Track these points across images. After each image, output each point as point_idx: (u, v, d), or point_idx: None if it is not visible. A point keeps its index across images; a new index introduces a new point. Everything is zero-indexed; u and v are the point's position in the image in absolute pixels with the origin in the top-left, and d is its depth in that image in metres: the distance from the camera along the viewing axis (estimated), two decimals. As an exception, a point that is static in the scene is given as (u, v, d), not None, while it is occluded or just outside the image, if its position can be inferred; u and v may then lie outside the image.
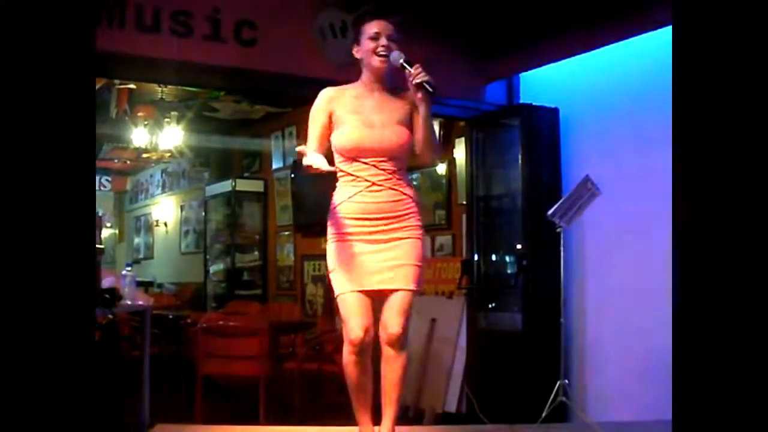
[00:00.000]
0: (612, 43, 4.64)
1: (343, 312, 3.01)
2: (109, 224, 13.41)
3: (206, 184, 10.11)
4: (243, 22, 4.48)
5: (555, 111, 5.20)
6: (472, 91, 5.37)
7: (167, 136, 8.33)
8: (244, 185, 9.40)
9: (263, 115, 8.85)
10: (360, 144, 2.99)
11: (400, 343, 2.98)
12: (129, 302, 4.30)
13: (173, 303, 9.06)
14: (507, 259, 5.47)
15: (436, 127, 6.40)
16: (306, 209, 8.01)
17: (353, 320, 2.95)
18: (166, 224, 11.92)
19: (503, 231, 5.46)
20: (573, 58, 4.94)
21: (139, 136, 8.29)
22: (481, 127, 5.53)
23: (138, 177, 13.12)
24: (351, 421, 3.20)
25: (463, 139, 5.76)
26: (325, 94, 3.11)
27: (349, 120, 3.02)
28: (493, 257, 5.53)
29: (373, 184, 2.99)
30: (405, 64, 2.96)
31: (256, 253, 9.33)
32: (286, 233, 8.74)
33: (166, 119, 8.24)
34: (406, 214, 3.04)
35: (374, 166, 2.99)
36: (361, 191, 3.00)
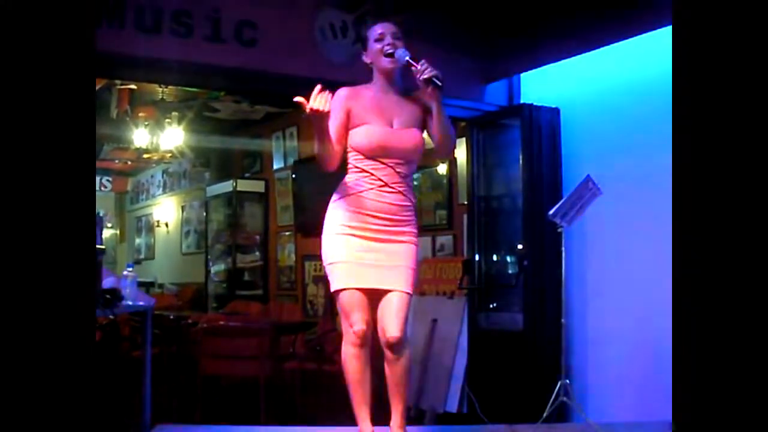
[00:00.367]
0: (612, 43, 4.64)
1: (343, 306, 3.03)
2: (110, 225, 13.42)
3: (207, 185, 10.12)
4: (243, 23, 4.48)
5: (556, 111, 5.20)
6: (472, 91, 5.37)
7: (168, 137, 8.34)
8: (245, 185, 9.41)
9: (264, 116, 8.86)
10: (383, 144, 3.01)
11: (400, 345, 3.01)
12: (130, 303, 4.30)
13: (174, 303, 9.08)
14: (508, 259, 5.47)
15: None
16: (307, 209, 8.03)
17: (355, 314, 2.99)
18: (167, 224, 11.92)
19: (504, 231, 5.46)
20: (574, 58, 4.94)
21: (139, 136, 8.30)
22: (481, 127, 5.52)
23: (139, 177, 13.12)
24: (351, 421, 3.20)
25: (463, 139, 5.74)
26: (342, 92, 3.11)
27: (370, 119, 3.04)
28: (494, 257, 5.53)
29: (386, 185, 3.02)
30: (410, 61, 2.99)
31: (257, 253, 9.33)
32: (287, 233, 8.74)
33: (167, 120, 8.24)
34: (406, 221, 3.09)
35: (391, 167, 3.02)
36: (373, 189, 3.02)
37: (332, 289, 3.06)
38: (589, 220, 4.56)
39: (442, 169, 6.52)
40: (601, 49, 4.74)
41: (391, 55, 3.04)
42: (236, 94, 7.53)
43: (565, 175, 5.12)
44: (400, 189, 3.04)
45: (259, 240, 9.31)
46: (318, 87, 2.86)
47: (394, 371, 3.05)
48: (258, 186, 9.34)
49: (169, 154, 9.18)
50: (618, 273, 4.80)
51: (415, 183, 6.74)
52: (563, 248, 4.15)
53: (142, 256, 12.71)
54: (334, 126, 3.04)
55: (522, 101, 5.40)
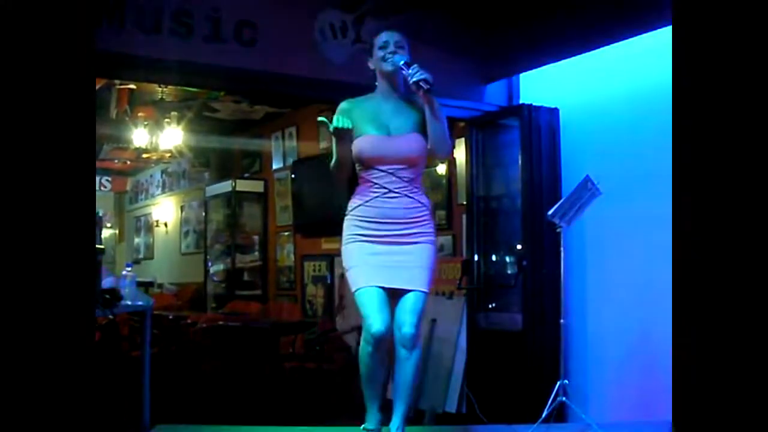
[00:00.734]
0: (612, 43, 4.64)
1: (361, 306, 3.08)
2: (109, 224, 13.41)
3: (206, 185, 10.11)
4: (243, 23, 4.48)
5: (555, 111, 5.19)
6: (472, 91, 5.37)
7: (167, 137, 8.34)
8: (244, 185, 9.41)
9: (263, 116, 8.85)
10: (378, 153, 3.10)
11: (413, 342, 3.06)
12: (129, 302, 4.29)
13: (173, 303, 9.07)
14: (507, 259, 5.47)
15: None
16: (306, 209, 8.02)
17: (373, 315, 3.03)
18: (166, 224, 11.92)
19: (503, 231, 5.46)
20: (573, 59, 4.94)
21: (139, 136, 8.29)
22: (481, 128, 5.52)
23: (138, 177, 13.12)
24: (351, 421, 3.21)
25: (463, 139, 5.75)
26: (342, 107, 3.21)
27: (367, 130, 3.13)
28: (493, 257, 5.53)
29: (390, 191, 3.10)
30: (402, 66, 3.08)
31: (257, 253, 9.33)
32: (287, 233, 8.74)
33: (166, 119, 8.24)
34: (420, 221, 3.15)
35: (392, 174, 3.10)
36: (378, 197, 3.11)
37: (352, 291, 3.13)
38: (589, 220, 4.56)
39: (442, 169, 6.53)
40: (601, 49, 4.74)
41: (392, 64, 3.13)
42: (236, 94, 7.54)
43: (564, 176, 5.12)
44: (406, 193, 3.11)
45: (259, 240, 9.30)
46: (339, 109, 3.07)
47: (403, 372, 3.09)
48: (257, 186, 9.34)
49: (169, 154, 9.18)
50: (617, 273, 4.80)
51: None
52: (562, 248, 4.15)
53: (141, 256, 12.70)
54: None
55: (521, 101, 5.40)
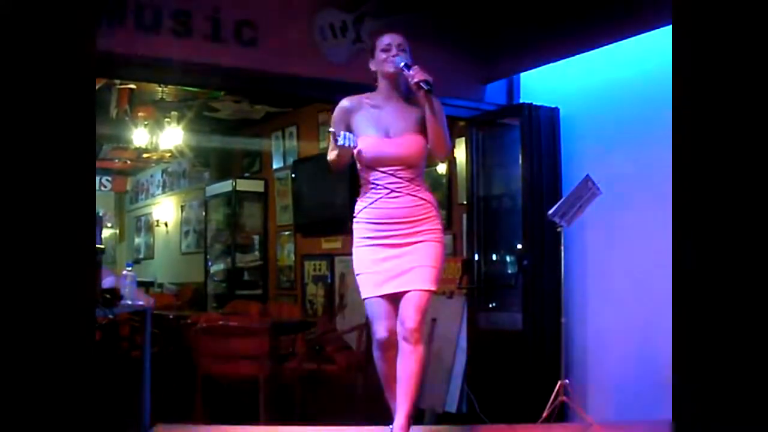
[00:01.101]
0: (612, 42, 4.64)
1: (369, 314, 3.22)
2: (109, 224, 13.41)
3: (207, 184, 10.11)
4: (243, 23, 4.49)
5: (555, 111, 5.19)
6: (472, 90, 5.37)
7: (167, 136, 8.33)
8: (244, 185, 9.40)
9: (264, 115, 8.85)
10: (377, 155, 3.16)
11: (416, 337, 3.10)
12: (129, 302, 4.30)
13: (174, 303, 9.06)
14: (507, 258, 5.47)
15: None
16: (306, 209, 8.02)
17: (378, 323, 3.15)
18: (166, 224, 11.91)
19: (503, 231, 5.46)
20: (573, 58, 4.94)
21: (139, 136, 8.29)
22: (481, 127, 5.52)
23: (138, 177, 13.12)
24: (351, 420, 3.21)
25: (463, 138, 5.75)
26: (342, 105, 3.27)
27: (366, 131, 3.18)
28: (494, 257, 5.53)
29: (392, 191, 3.16)
30: (403, 67, 3.12)
31: (257, 253, 9.32)
32: (287, 233, 8.73)
33: (167, 119, 8.23)
34: (425, 219, 3.20)
35: (392, 174, 3.16)
36: (381, 198, 3.17)
37: (361, 297, 3.23)
38: (589, 219, 4.56)
39: (442, 168, 6.52)
40: (601, 48, 4.74)
41: (394, 65, 3.17)
42: (236, 93, 7.53)
43: (565, 175, 5.12)
44: (408, 192, 3.17)
45: (259, 240, 9.30)
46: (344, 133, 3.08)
47: (407, 367, 3.11)
48: (257, 185, 9.33)
49: (169, 154, 9.18)
50: (618, 272, 4.80)
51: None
52: (563, 248, 4.15)
53: (141, 256, 12.70)
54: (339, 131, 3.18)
55: (521, 101, 5.40)
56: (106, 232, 12.74)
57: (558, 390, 3.95)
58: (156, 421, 4.13)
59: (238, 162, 9.89)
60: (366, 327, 5.03)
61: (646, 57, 4.51)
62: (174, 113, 8.22)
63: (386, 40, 3.20)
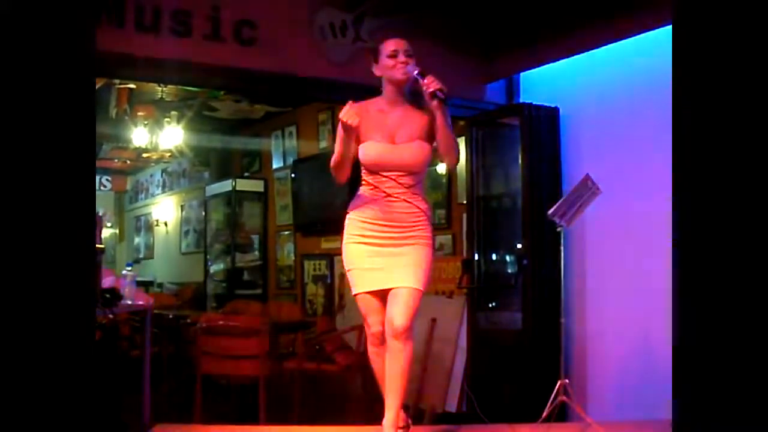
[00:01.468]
0: (612, 42, 4.64)
1: (361, 309, 3.27)
2: (109, 224, 13.42)
3: (206, 184, 10.11)
4: (243, 22, 4.48)
5: (555, 110, 5.19)
6: (472, 90, 5.37)
7: (167, 136, 8.32)
8: (244, 185, 9.40)
9: (263, 115, 8.85)
10: (381, 160, 3.20)
11: (404, 335, 3.12)
12: (129, 302, 4.30)
13: (173, 303, 9.05)
14: (507, 258, 5.46)
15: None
16: (306, 209, 8.02)
17: (371, 317, 3.23)
18: (166, 224, 11.92)
19: (503, 230, 5.46)
20: (573, 58, 4.93)
21: (139, 135, 8.28)
22: (481, 126, 5.52)
23: (138, 177, 13.12)
24: (351, 420, 3.21)
25: (463, 138, 5.74)
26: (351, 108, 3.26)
27: (372, 136, 3.21)
28: (494, 256, 5.53)
29: (389, 195, 3.21)
30: (419, 76, 3.13)
31: (257, 252, 9.32)
32: (287, 233, 8.74)
33: (166, 119, 8.22)
34: (416, 226, 3.24)
35: (393, 179, 3.20)
36: (377, 200, 3.22)
37: (352, 294, 3.28)
38: (589, 219, 4.56)
39: (441, 168, 6.52)
40: (601, 48, 4.74)
41: (405, 71, 3.18)
42: (235, 93, 7.53)
43: (565, 174, 5.13)
44: (405, 198, 3.21)
45: (259, 239, 9.30)
46: (349, 103, 3.08)
47: (394, 365, 3.14)
48: (257, 185, 9.33)
49: (169, 154, 9.17)
50: (617, 272, 4.80)
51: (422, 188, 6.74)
52: (562, 247, 4.15)
53: (141, 256, 12.70)
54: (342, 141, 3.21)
55: (521, 100, 5.40)
56: (105, 232, 12.74)
57: (558, 390, 3.94)
58: (156, 420, 4.14)
59: (238, 162, 9.89)
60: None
61: (646, 56, 4.51)
62: (174, 113, 8.21)
63: (392, 46, 3.21)
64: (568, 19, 4.73)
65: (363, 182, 3.28)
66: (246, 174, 9.63)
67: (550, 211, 4.07)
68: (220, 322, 5.55)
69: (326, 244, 7.74)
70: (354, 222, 3.25)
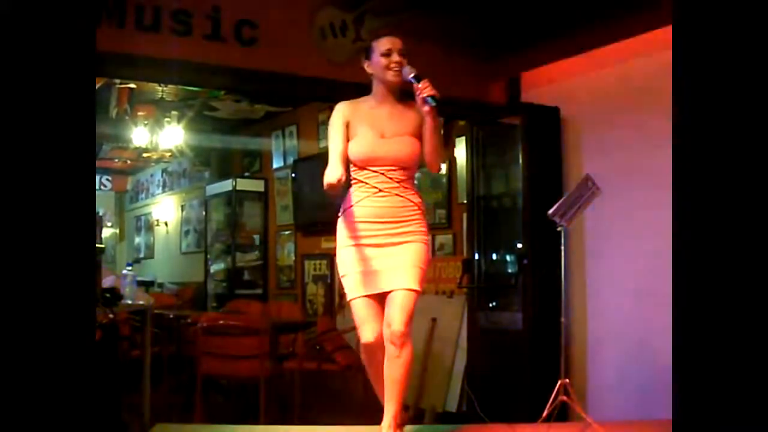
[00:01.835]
0: (612, 42, 4.63)
1: (354, 316, 3.20)
2: (109, 224, 13.42)
3: (207, 184, 10.11)
4: (243, 22, 4.48)
5: (556, 110, 5.20)
6: (472, 90, 5.36)
7: (167, 136, 8.33)
8: (244, 185, 9.41)
9: (264, 115, 8.85)
10: (371, 154, 3.15)
11: (402, 340, 3.08)
12: (129, 302, 4.30)
13: (174, 302, 9.05)
14: (507, 258, 5.47)
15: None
16: (306, 209, 8.02)
17: (363, 325, 3.16)
18: (166, 224, 11.92)
19: (504, 230, 5.46)
20: (574, 58, 4.93)
21: (139, 135, 8.29)
22: (481, 126, 5.52)
23: (138, 176, 13.12)
24: (351, 420, 3.21)
25: (463, 138, 5.75)
26: (340, 108, 3.25)
27: (362, 131, 3.17)
28: (494, 256, 5.53)
29: (380, 191, 3.15)
30: (413, 80, 3.10)
31: (257, 252, 9.33)
32: (287, 233, 8.74)
33: (167, 119, 8.23)
34: (410, 220, 3.18)
35: (383, 174, 3.15)
36: (368, 196, 3.16)
37: (347, 299, 3.23)
38: (589, 219, 4.56)
39: (442, 168, 6.51)
40: (602, 48, 4.73)
41: (398, 72, 3.14)
42: (236, 93, 7.53)
43: (565, 175, 5.12)
44: (396, 193, 3.16)
45: (259, 239, 9.31)
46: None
47: (392, 369, 3.10)
48: (257, 185, 9.34)
49: (169, 153, 9.17)
50: (618, 272, 4.80)
51: (415, 182, 6.74)
52: (563, 247, 4.15)
53: (141, 255, 12.71)
54: (337, 142, 3.18)
55: (522, 100, 5.40)
56: (106, 232, 12.75)
57: (558, 389, 3.94)
58: (155, 420, 4.14)
59: (238, 161, 9.89)
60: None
61: (646, 57, 4.51)
62: (174, 113, 8.22)
63: (386, 44, 3.17)
64: (569, 19, 4.72)
65: (353, 180, 3.21)
66: (246, 174, 9.63)
67: (551, 211, 4.07)
68: (221, 322, 5.55)
69: (326, 244, 7.74)
70: (346, 224, 3.20)
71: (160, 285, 11.13)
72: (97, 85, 6.58)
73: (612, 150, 4.82)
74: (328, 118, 3.25)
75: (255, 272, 9.33)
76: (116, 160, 11.39)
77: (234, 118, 8.96)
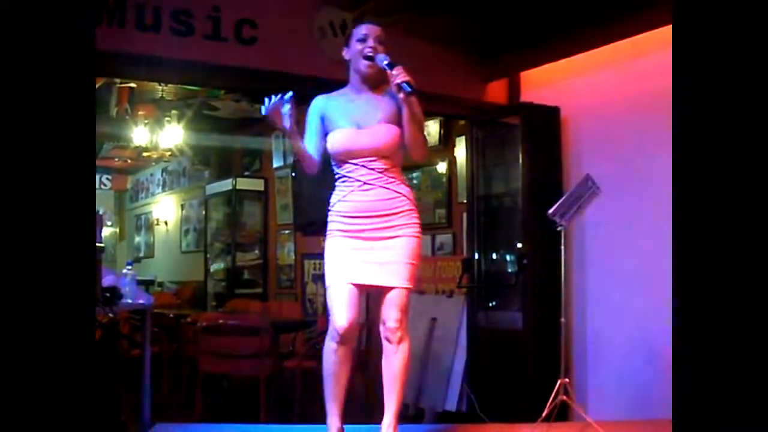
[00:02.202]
0: (613, 42, 4.64)
1: (330, 301, 3.07)
2: (109, 223, 13.42)
3: (207, 183, 10.12)
4: (243, 21, 4.48)
5: (556, 110, 5.20)
6: (473, 89, 5.37)
7: (167, 135, 8.33)
8: (244, 184, 9.41)
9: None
10: (348, 146, 3.07)
11: (399, 337, 3.04)
12: (129, 301, 4.30)
13: (174, 302, 9.07)
14: (507, 257, 5.47)
15: (436, 126, 6.44)
16: (306, 208, 8.02)
17: (339, 310, 3.02)
18: (166, 223, 11.92)
19: (504, 230, 5.46)
20: (573, 57, 4.94)
21: (139, 134, 8.29)
22: (481, 126, 5.53)
23: (138, 176, 13.13)
24: (351, 419, 3.21)
25: (463, 137, 5.75)
26: (314, 103, 3.22)
27: (338, 123, 3.10)
28: (494, 256, 5.53)
29: (364, 183, 3.06)
30: (386, 67, 3.00)
31: (257, 251, 9.33)
32: (287, 232, 8.74)
33: (167, 118, 8.23)
34: (401, 212, 3.09)
35: (363, 166, 3.06)
36: (353, 191, 3.07)
37: (327, 284, 3.11)
38: (589, 219, 4.56)
39: (442, 167, 6.53)
40: (602, 48, 4.74)
41: (370, 59, 3.06)
42: (236, 92, 7.53)
43: (565, 174, 5.13)
44: (381, 184, 3.06)
45: (259, 238, 9.31)
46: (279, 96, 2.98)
47: (391, 366, 3.07)
48: (257, 184, 9.34)
49: (169, 153, 9.18)
50: (618, 272, 4.80)
51: (414, 182, 6.75)
52: (563, 247, 4.15)
53: (141, 255, 12.71)
54: (310, 133, 3.15)
55: (522, 100, 5.40)
56: (106, 231, 12.75)
57: (558, 389, 3.94)
58: (156, 419, 4.14)
59: (238, 161, 9.89)
60: (366, 325, 5.03)
61: (646, 57, 4.51)
62: (174, 112, 8.22)
63: (363, 30, 3.09)
64: (569, 18, 4.73)
65: (336, 175, 3.14)
66: (246, 173, 9.63)
67: (551, 211, 4.07)
68: (221, 321, 5.55)
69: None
70: (334, 219, 3.11)
71: (160, 284, 11.14)
72: (98, 85, 6.58)
73: (612, 150, 4.82)
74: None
75: (255, 271, 9.33)
76: (116, 160, 11.40)
77: (234, 118, 8.95)
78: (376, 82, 3.11)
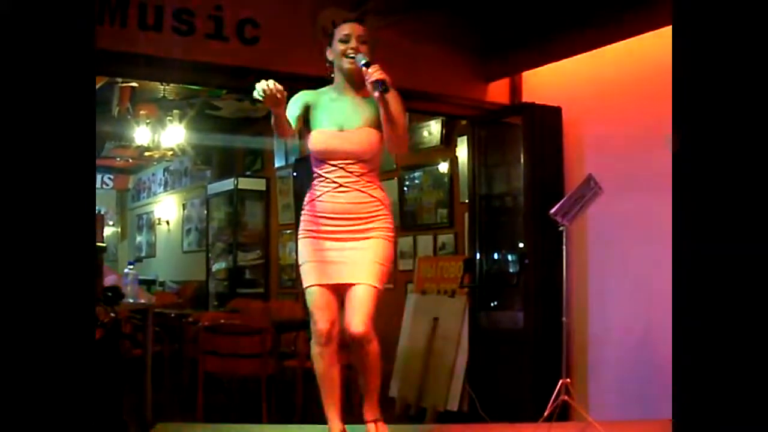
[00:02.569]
0: (614, 42, 4.63)
1: (309, 304, 3.08)
2: (111, 222, 13.43)
3: (208, 183, 10.12)
4: (245, 21, 4.48)
5: (557, 110, 5.19)
6: (474, 89, 5.36)
7: (169, 135, 8.34)
8: (246, 183, 9.42)
9: (265, 114, 8.75)
10: (327, 147, 3.06)
11: (365, 340, 3.02)
12: (131, 300, 4.31)
13: (175, 301, 9.07)
14: (509, 257, 5.46)
15: (438, 126, 6.44)
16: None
17: (318, 313, 3.04)
18: (168, 222, 11.93)
19: (505, 229, 5.46)
20: (576, 57, 4.93)
21: (141, 134, 8.30)
22: (483, 126, 5.52)
23: (140, 175, 13.13)
24: (352, 419, 3.21)
25: (465, 137, 5.75)
26: (303, 93, 3.18)
27: (320, 123, 3.09)
28: (496, 256, 5.53)
29: (341, 185, 3.05)
30: (364, 66, 2.98)
31: (258, 251, 9.33)
32: (288, 231, 8.74)
33: (168, 117, 8.24)
34: (374, 217, 3.09)
35: (342, 168, 3.05)
36: (329, 191, 3.07)
37: (304, 287, 3.11)
38: (591, 219, 4.55)
39: (444, 167, 6.52)
40: (603, 48, 4.73)
41: (352, 59, 3.05)
42: (238, 92, 7.52)
43: (567, 174, 5.12)
44: (357, 187, 3.06)
45: (260, 238, 9.31)
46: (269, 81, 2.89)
47: (359, 361, 3.09)
48: (259, 184, 9.34)
49: (171, 152, 9.18)
50: (619, 272, 4.79)
51: (417, 181, 6.75)
52: (564, 247, 4.14)
53: (143, 254, 12.72)
54: (290, 114, 3.06)
55: (524, 100, 5.40)
56: (107, 231, 12.76)
57: (559, 389, 3.94)
58: (157, 419, 4.14)
59: (240, 160, 9.89)
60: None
61: (646, 57, 4.50)
62: (176, 111, 8.22)
63: (346, 30, 3.08)
64: (571, 18, 4.72)
65: (314, 174, 3.12)
66: (248, 173, 9.64)
67: (552, 211, 4.07)
68: (222, 321, 5.55)
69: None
70: (307, 218, 3.11)
71: (162, 284, 11.14)
72: (100, 84, 6.58)
73: (614, 150, 4.82)
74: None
75: (256, 271, 9.34)
76: (118, 159, 11.40)
77: (236, 117, 8.96)
78: (361, 83, 3.08)
